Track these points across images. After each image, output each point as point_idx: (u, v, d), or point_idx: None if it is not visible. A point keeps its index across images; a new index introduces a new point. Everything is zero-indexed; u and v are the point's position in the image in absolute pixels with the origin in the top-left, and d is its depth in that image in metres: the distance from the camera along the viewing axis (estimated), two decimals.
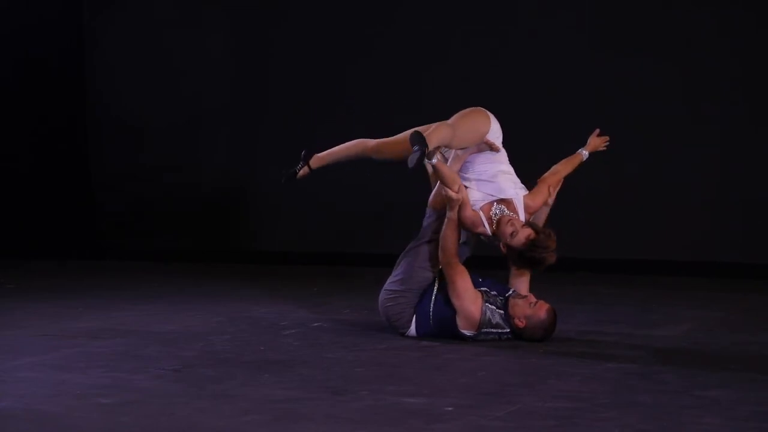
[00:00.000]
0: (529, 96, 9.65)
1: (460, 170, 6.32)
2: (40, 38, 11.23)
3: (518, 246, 6.08)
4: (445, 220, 6.19)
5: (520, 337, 6.06)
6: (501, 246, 6.18)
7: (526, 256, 6.12)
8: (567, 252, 9.57)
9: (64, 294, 8.49)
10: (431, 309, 6.19)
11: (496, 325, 6.05)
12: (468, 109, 6.42)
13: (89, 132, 11.51)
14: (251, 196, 10.98)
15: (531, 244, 6.07)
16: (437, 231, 6.30)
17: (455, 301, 6.05)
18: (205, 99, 11.14)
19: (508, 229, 6.09)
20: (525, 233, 6.07)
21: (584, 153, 6.53)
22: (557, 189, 6.43)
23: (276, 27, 10.86)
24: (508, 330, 6.06)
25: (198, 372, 5.35)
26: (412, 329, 6.26)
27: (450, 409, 4.53)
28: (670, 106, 9.57)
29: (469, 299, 6.03)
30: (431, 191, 6.51)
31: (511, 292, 6.18)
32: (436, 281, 6.24)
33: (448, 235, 6.16)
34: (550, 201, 6.41)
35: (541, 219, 6.40)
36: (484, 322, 6.03)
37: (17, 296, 8.35)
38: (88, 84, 11.50)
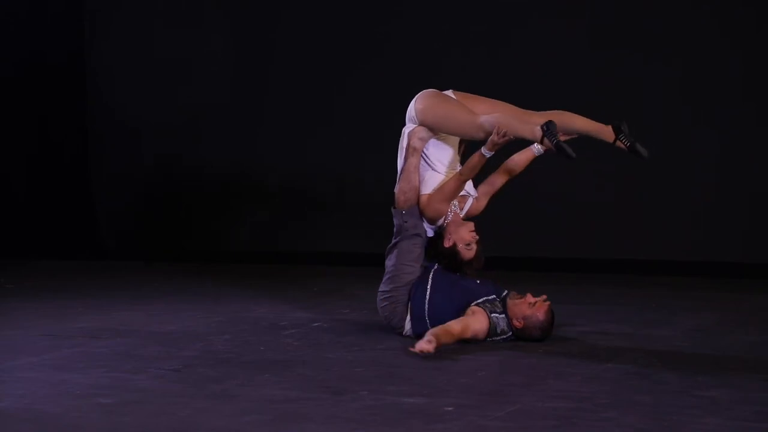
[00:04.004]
0: (529, 96, 9.64)
1: (434, 162, 6.38)
2: (41, 38, 11.23)
3: (464, 255, 6.27)
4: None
5: (518, 337, 6.06)
6: (446, 240, 6.28)
7: (458, 265, 6.27)
8: (567, 252, 9.67)
9: (64, 294, 8.49)
10: (426, 311, 6.17)
11: (502, 332, 6.04)
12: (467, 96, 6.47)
13: (89, 132, 11.52)
14: (251, 196, 10.98)
15: (470, 261, 6.27)
16: (415, 227, 6.32)
17: (467, 335, 6.00)
18: (205, 99, 11.14)
19: (468, 238, 6.28)
20: (474, 250, 6.28)
21: (536, 148, 6.42)
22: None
23: (276, 27, 10.86)
24: (511, 334, 6.06)
25: (198, 372, 5.35)
26: (408, 329, 6.26)
27: (450, 409, 4.53)
28: (670, 106, 9.57)
29: (479, 330, 6.01)
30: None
31: (506, 292, 6.18)
32: (429, 281, 6.22)
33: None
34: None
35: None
36: (490, 333, 6.03)
37: (17, 296, 8.35)
38: (88, 84, 11.51)
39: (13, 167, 11.31)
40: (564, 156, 5.99)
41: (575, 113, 6.26)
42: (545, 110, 6.28)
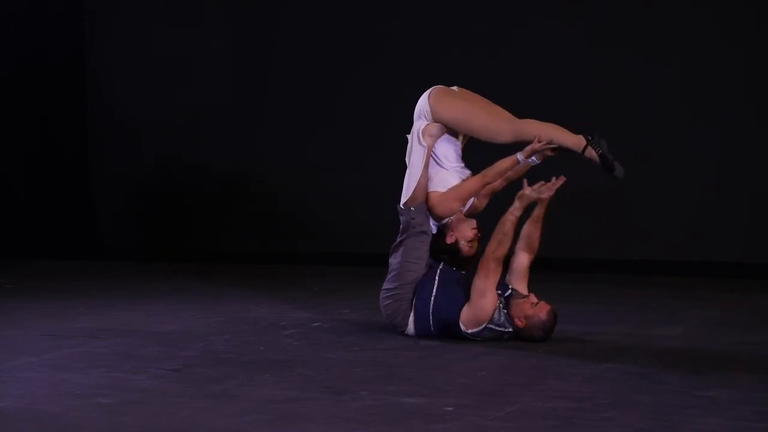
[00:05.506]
0: (529, 96, 9.66)
1: (441, 159, 6.37)
2: (41, 38, 11.23)
3: (465, 252, 6.30)
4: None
5: (518, 336, 6.06)
6: (448, 236, 6.30)
7: (459, 262, 6.30)
8: (568, 252, 9.66)
9: (64, 294, 8.48)
10: (431, 309, 6.17)
11: (497, 325, 6.04)
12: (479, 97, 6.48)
13: (89, 132, 11.52)
14: (251, 196, 10.98)
15: (471, 258, 6.29)
16: (421, 224, 6.31)
17: (477, 297, 5.98)
18: (205, 99, 11.14)
19: (470, 235, 6.30)
20: (476, 248, 6.30)
21: (532, 159, 6.35)
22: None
23: (276, 27, 10.86)
24: (511, 330, 6.05)
25: (198, 372, 5.35)
26: (411, 327, 6.25)
27: (450, 409, 4.53)
28: (670, 106, 9.58)
29: (490, 299, 6.00)
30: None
31: (510, 291, 6.17)
32: (436, 279, 6.22)
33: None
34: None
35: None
36: (491, 320, 6.02)
37: (17, 296, 8.35)
38: (88, 84, 11.51)
39: (13, 167, 11.30)
40: (607, 169, 6.06)
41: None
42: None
